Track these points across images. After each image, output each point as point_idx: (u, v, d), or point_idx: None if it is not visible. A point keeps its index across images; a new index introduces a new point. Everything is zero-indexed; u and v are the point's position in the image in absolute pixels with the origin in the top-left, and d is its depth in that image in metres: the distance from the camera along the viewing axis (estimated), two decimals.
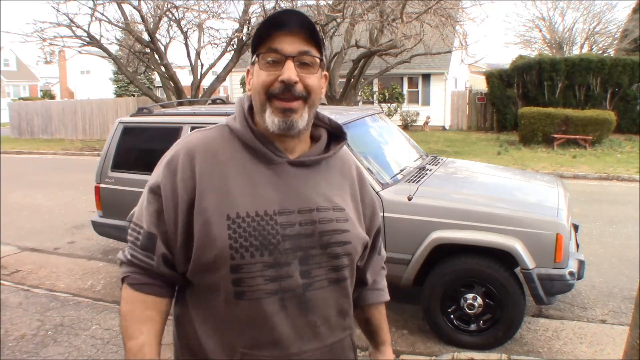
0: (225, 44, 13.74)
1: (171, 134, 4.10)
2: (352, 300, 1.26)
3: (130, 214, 1.17)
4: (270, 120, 1.12)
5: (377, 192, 3.60)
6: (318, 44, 1.15)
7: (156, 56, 13.92)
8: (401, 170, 4.06)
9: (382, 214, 3.56)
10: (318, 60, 1.14)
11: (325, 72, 1.21)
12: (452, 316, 3.55)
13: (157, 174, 1.17)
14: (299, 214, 1.14)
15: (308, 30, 1.12)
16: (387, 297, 1.43)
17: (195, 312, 1.17)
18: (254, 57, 1.16)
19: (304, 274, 1.13)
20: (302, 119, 1.13)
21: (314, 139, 1.25)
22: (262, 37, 1.13)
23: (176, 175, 1.13)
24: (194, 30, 13.91)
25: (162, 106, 5.53)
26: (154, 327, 1.16)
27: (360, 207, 1.28)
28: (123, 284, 1.19)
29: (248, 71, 1.20)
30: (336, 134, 1.29)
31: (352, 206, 1.25)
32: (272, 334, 1.11)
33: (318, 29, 1.15)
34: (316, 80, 1.15)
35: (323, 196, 1.18)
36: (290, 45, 1.11)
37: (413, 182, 3.80)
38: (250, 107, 1.21)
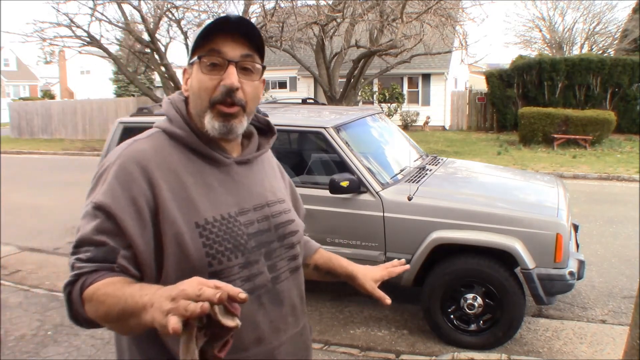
0: None
1: None
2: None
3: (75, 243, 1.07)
4: (211, 125, 1.11)
5: (377, 192, 3.60)
6: (260, 50, 1.14)
7: (156, 56, 13.93)
8: (401, 170, 4.06)
9: (382, 214, 3.57)
10: (259, 67, 1.14)
11: (263, 78, 1.20)
12: (452, 316, 3.54)
13: (105, 190, 1.05)
14: (254, 212, 1.17)
15: (251, 34, 1.11)
16: (318, 244, 1.49)
17: None
18: (193, 58, 1.12)
19: (271, 269, 1.17)
20: (242, 125, 1.14)
21: (244, 135, 1.26)
22: (204, 39, 1.09)
23: (131, 190, 1.04)
24: (194, 30, 13.91)
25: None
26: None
27: (289, 194, 1.36)
28: (80, 294, 0.99)
29: (185, 71, 1.17)
30: (263, 129, 1.32)
31: (286, 195, 1.32)
32: (255, 332, 1.12)
33: (262, 34, 1.14)
34: (255, 88, 1.15)
35: (268, 190, 1.24)
36: (232, 49, 1.10)
37: (413, 182, 3.80)
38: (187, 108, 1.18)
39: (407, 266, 1.39)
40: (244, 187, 1.17)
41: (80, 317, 1.01)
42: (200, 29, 1.09)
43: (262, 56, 1.15)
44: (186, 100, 1.18)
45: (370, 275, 1.36)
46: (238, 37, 1.10)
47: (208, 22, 1.09)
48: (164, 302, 0.81)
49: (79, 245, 1.03)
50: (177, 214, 1.05)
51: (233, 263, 1.09)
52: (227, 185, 1.15)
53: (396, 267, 1.37)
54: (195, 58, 1.11)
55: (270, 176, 1.28)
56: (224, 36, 1.09)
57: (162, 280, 1.06)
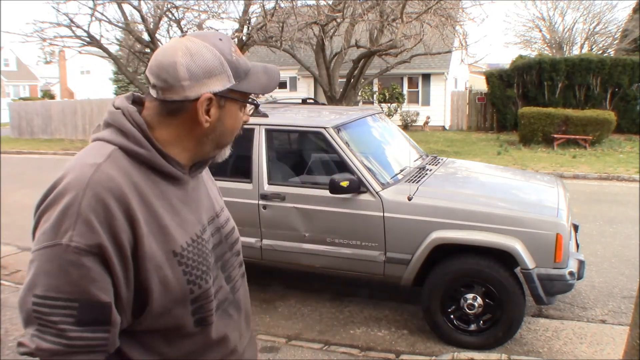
0: None
1: None
2: None
3: (39, 289, 0.95)
4: (224, 152, 1.17)
5: (377, 192, 3.60)
6: None
7: None
8: (401, 170, 4.06)
9: (382, 214, 3.57)
10: None
11: None
12: (452, 316, 3.55)
13: (82, 231, 0.91)
14: (210, 225, 1.16)
15: None
16: None
17: (146, 355, 1.06)
18: (234, 94, 1.08)
19: (228, 280, 1.19)
20: None
21: None
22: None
23: (112, 227, 0.94)
24: (194, 31, 13.90)
25: None
26: None
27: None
28: None
29: (211, 100, 1.04)
30: None
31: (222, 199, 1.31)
32: (228, 345, 1.16)
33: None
34: None
35: (214, 200, 1.23)
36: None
37: (413, 182, 3.80)
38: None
39: None
40: (197, 202, 1.14)
41: None
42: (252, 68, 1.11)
43: None
44: (140, 112, 1.06)
45: None
46: None
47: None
48: None
49: (58, 297, 0.92)
50: (155, 247, 1.00)
51: (209, 285, 1.09)
52: (187, 203, 1.10)
53: None
54: (237, 97, 1.08)
55: (211, 185, 1.26)
56: None
57: (145, 315, 1.01)
